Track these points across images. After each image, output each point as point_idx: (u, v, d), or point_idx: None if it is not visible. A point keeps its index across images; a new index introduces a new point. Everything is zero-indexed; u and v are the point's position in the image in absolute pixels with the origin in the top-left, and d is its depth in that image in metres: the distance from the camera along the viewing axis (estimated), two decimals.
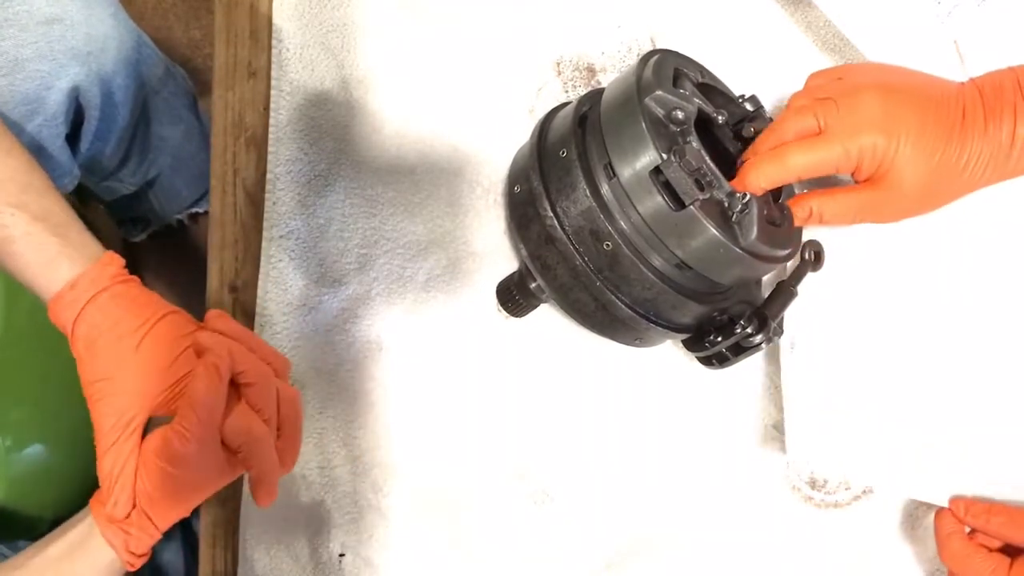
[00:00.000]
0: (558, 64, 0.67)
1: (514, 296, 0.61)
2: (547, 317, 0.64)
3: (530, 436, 0.64)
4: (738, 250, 0.51)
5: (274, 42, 0.65)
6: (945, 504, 0.61)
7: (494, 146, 0.66)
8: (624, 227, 0.53)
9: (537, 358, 0.65)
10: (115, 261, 0.53)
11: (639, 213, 0.52)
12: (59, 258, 0.52)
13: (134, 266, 1.22)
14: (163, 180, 1.04)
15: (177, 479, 0.50)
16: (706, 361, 0.60)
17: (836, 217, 0.56)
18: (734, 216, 0.51)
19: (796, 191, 0.59)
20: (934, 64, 0.57)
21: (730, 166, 0.55)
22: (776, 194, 0.57)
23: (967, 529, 0.60)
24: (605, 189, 0.53)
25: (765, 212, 0.53)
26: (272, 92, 0.64)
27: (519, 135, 0.63)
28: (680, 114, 0.52)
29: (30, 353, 0.82)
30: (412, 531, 0.63)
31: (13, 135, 0.56)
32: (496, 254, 0.65)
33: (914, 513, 0.66)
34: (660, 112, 0.52)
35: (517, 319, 0.64)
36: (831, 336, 0.63)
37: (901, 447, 0.62)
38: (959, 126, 0.52)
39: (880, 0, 0.64)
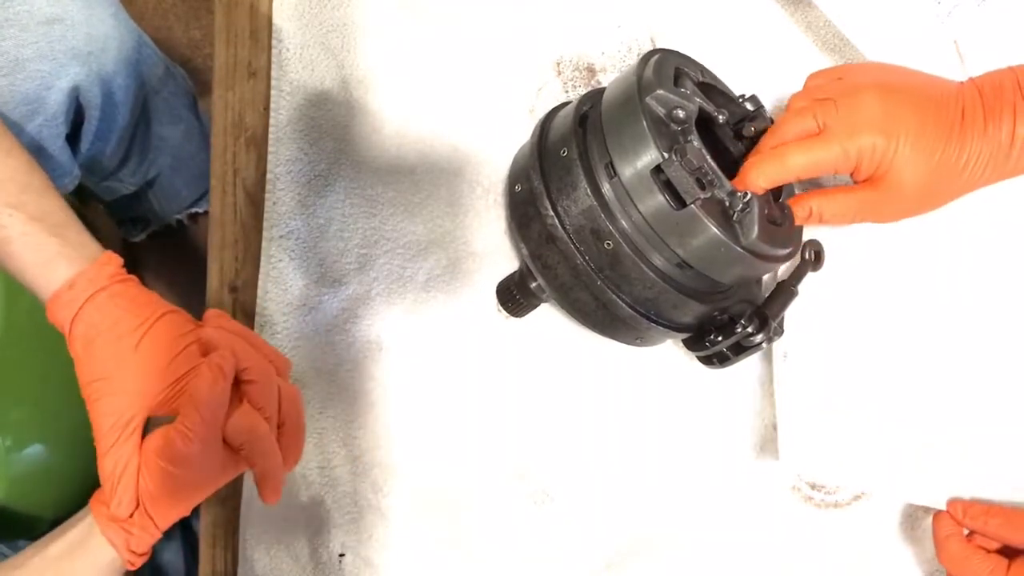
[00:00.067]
0: (558, 64, 0.67)
1: (514, 296, 0.61)
2: (547, 317, 0.64)
3: (530, 436, 0.64)
4: (739, 249, 0.51)
5: (274, 42, 0.65)
6: (942, 507, 0.61)
7: (494, 146, 0.66)
8: (625, 226, 0.53)
9: (537, 358, 0.65)
10: (113, 261, 0.53)
11: (640, 212, 0.52)
12: (57, 258, 0.52)
13: (134, 266, 1.22)
14: (163, 180, 1.04)
15: (179, 479, 0.50)
16: (707, 360, 0.60)
17: (836, 217, 0.56)
18: (735, 215, 0.51)
19: (796, 191, 0.59)
20: (934, 64, 0.57)
21: (731, 165, 0.55)
22: (776, 193, 0.57)
23: (965, 531, 0.60)
24: (606, 188, 0.53)
25: (766, 211, 0.53)
26: (272, 92, 0.64)
27: (519, 135, 0.63)
28: (681, 113, 0.52)
29: (30, 353, 0.82)
30: (412, 531, 0.63)
31: (13, 135, 0.56)
32: (496, 254, 0.65)
33: (914, 513, 0.66)
34: (661, 111, 0.52)
35: (517, 319, 0.64)
36: (826, 341, 0.63)
37: (897, 451, 0.62)
38: (958, 126, 0.52)
39: (880, 0, 0.64)
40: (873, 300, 0.63)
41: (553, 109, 0.62)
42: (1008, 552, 0.59)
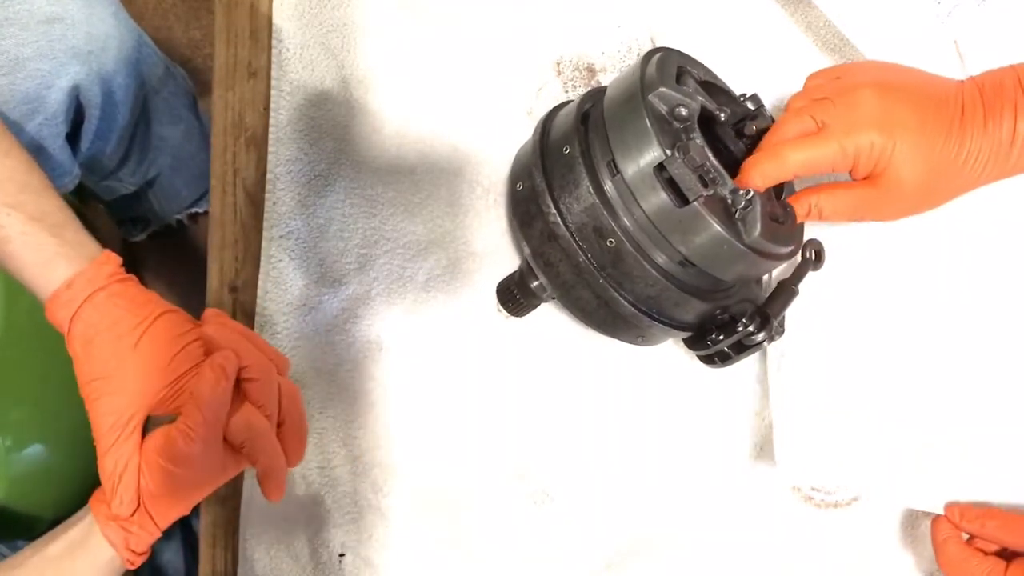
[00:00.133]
0: (558, 64, 0.67)
1: (515, 295, 0.61)
2: (547, 317, 0.64)
3: (530, 436, 0.64)
4: (742, 246, 0.51)
5: (274, 42, 0.65)
6: (940, 511, 0.61)
7: (494, 146, 0.66)
8: (627, 224, 0.53)
9: (537, 358, 0.65)
10: (112, 260, 0.53)
11: (643, 210, 0.52)
12: (56, 258, 0.52)
13: (134, 266, 1.22)
14: (163, 180, 1.04)
15: (180, 478, 0.50)
16: (708, 359, 0.60)
17: (835, 213, 0.56)
18: (737, 213, 0.51)
19: (796, 189, 0.59)
20: (934, 64, 0.57)
21: (732, 164, 0.55)
22: (778, 191, 0.57)
23: (965, 536, 0.61)
24: (608, 186, 0.53)
25: (768, 209, 0.53)
26: (272, 92, 0.64)
27: (519, 135, 0.63)
28: (684, 111, 0.52)
29: (30, 353, 0.82)
30: (412, 531, 0.63)
31: (12, 135, 0.56)
32: (496, 254, 0.65)
33: (914, 513, 0.66)
34: (663, 109, 0.52)
35: (517, 319, 0.64)
36: (822, 344, 0.63)
37: (894, 455, 0.62)
38: (958, 123, 0.52)
39: (880, 0, 0.64)
40: (870, 302, 0.63)
41: (554, 108, 0.62)
42: (1006, 555, 0.59)
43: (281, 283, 0.63)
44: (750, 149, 0.56)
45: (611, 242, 0.53)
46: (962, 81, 0.54)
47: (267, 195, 0.63)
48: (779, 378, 0.63)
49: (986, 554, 0.59)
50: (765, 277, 0.63)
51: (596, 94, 0.58)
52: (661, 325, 0.56)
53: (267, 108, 0.65)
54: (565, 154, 0.55)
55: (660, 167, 0.51)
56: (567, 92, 0.67)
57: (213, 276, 0.64)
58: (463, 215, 0.65)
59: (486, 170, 0.66)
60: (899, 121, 0.52)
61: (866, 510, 0.65)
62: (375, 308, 0.64)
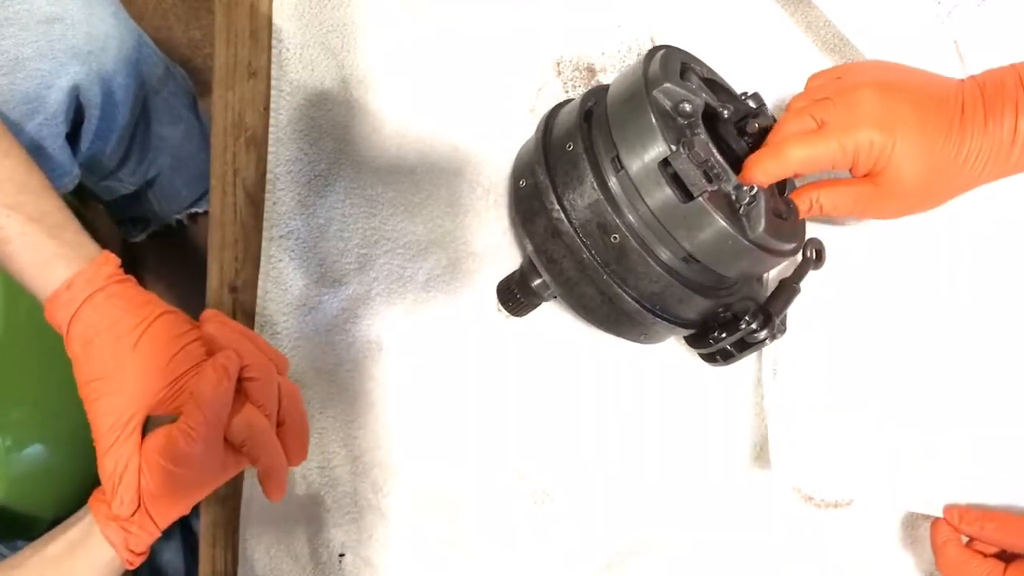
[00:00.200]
0: (558, 64, 0.67)
1: (515, 295, 0.61)
2: (547, 317, 0.64)
3: (530, 436, 0.64)
4: (746, 242, 0.51)
5: (274, 42, 0.65)
6: (938, 513, 0.61)
7: (494, 146, 0.66)
8: (631, 220, 0.53)
9: (537, 358, 0.65)
10: (111, 261, 0.53)
11: (647, 205, 0.52)
12: (55, 259, 0.52)
13: (133, 266, 1.22)
14: (163, 180, 1.04)
15: (180, 478, 0.50)
16: (710, 358, 0.59)
17: (836, 208, 0.56)
18: (741, 208, 0.51)
19: (798, 186, 0.59)
20: (934, 64, 0.57)
21: (734, 163, 0.55)
22: (781, 187, 0.57)
23: (964, 539, 0.61)
24: (612, 182, 0.53)
25: (771, 205, 0.53)
26: (272, 92, 0.64)
27: (519, 135, 0.63)
28: (688, 106, 0.52)
29: (30, 353, 0.81)
30: (412, 531, 0.63)
31: (12, 135, 0.56)
32: (496, 254, 0.65)
33: (914, 514, 0.66)
34: (668, 104, 0.52)
35: (517, 319, 0.64)
36: (818, 350, 0.63)
37: (892, 459, 0.62)
38: (958, 122, 0.52)
39: (880, 0, 0.64)
40: (868, 304, 0.63)
41: (556, 106, 0.62)
42: (1005, 556, 0.59)
43: (281, 283, 0.63)
44: (752, 147, 0.56)
45: (615, 238, 0.53)
46: (963, 80, 0.54)
47: (267, 195, 0.63)
48: (774, 385, 0.63)
49: (985, 556, 0.59)
50: (765, 276, 0.63)
51: (599, 92, 0.58)
52: (664, 322, 0.56)
53: (267, 108, 0.65)
54: (568, 151, 0.55)
55: (665, 163, 0.51)
56: (567, 92, 0.67)
57: (213, 276, 0.64)
58: (463, 215, 0.65)
59: (486, 170, 0.66)
60: (899, 120, 0.52)
61: (866, 510, 0.65)
62: (375, 308, 0.63)
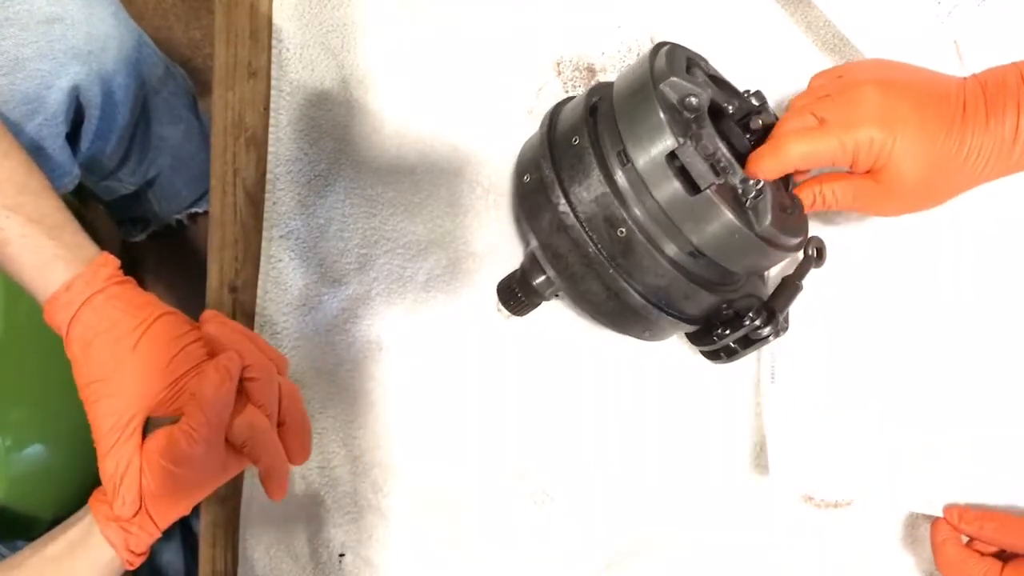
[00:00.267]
0: (558, 64, 0.67)
1: (516, 294, 0.61)
2: (547, 317, 0.64)
3: (530, 436, 0.64)
4: (753, 236, 0.51)
5: (274, 42, 0.65)
6: (938, 513, 0.61)
7: (494, 146, 0.66)
8: (638, 213, 0.53)
9: (537, 358, 0.65)
10: (110, 262, 0.53)
11: (654, 198, 0.52)
12: (54, 260, 0.52)
13: (133, 266, 1.22)
14: (163, 180, 1.04)
15: (181, 478, 0.50)
16: (713, 355, 0.59)
17: (837, 202, 0.56)
18: (748, 202, 0.51)
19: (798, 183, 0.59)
20: (934, 64, 0.57)
21: (738, 158, 0.55)
22: (786, 182, 0.57)
23: (964, 539, 0.61)
24: (619, 175, 0.53)
25: (777, 199, 0.53)
26: (272, 92, 0.64)
27: (519, 135, 0.63)
28: (694, 100, 0.52)
29: (30, 353, 0.81)
30: (412, 531, 0.63)
31: (12, 136, 0.56)
32: (496, 254, 0.65)
33: (914, 513, 0.66)
34: (674, 98, 0.52)
35: (517, 319, 0.64)
36: (818, 348, 0.63)
37: (892, 458, 0.62)
38: (959, 120, 0.52)
39: (880, 0, 0.64)
40: (866, 304, 0.64)
41: (560, 102, 0.62)
42: (1004, 556, 0.59)
43: (281, 283, 0.63)
44: (755, 144, 0.56)
45: (622, 232, 0.53)
46: (964, 78, 0.54)
47: (267, 195, 0.63)
48: (772, 389, 0.63)
49: (983, 555, 0.59)
50: (767, 275, 0.63)
51: (603, 88, 0.58)
52: (669, 318, 0.56)
53: (267, 108, 0.65)
54: (574, 145, 0.55)
55: (672, 156, 0.51)
56: (567, 92, 0.67)
57: (213, 276, 0.64)
58: (463, 215, 0.65)
59: (486, 170, 0.66)
60: (899, 117, 0.52)
61: (866, 510, 0.65)
62: (375, 308, 0.63)
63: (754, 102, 0.58)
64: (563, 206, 0.55)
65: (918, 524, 0.66)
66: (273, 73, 0.64)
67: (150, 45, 0.89)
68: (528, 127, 0.63)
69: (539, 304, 0.62)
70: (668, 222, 0.52)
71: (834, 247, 0.61)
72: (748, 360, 0.63)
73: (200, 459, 0.50)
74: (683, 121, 0.52)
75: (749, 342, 0.57)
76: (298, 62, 0.65)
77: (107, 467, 0.50)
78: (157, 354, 0.51)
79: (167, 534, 0.54)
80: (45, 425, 0.83)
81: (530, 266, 0.60)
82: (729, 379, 0.65)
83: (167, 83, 0.95)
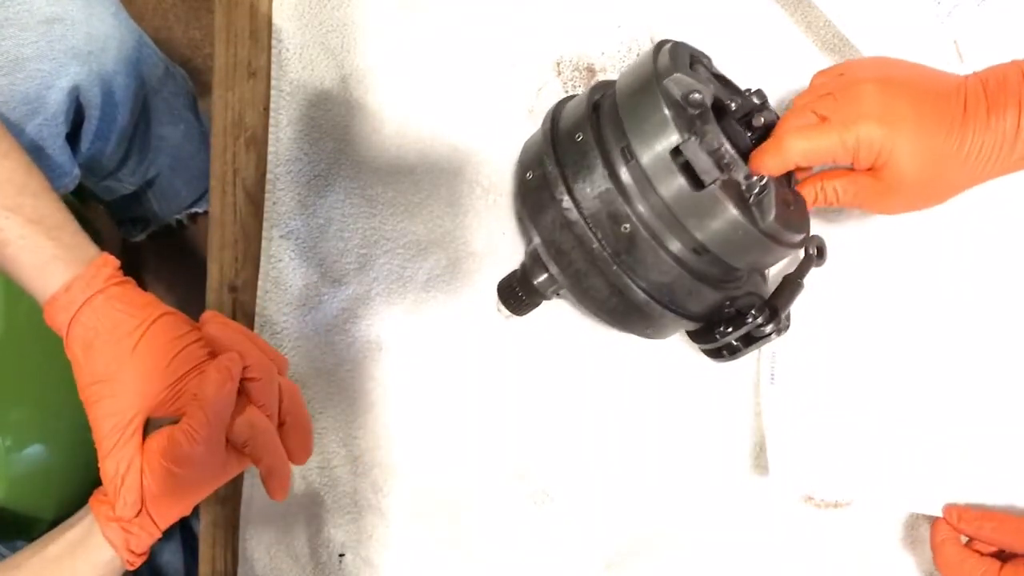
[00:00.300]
0: (558, 64, 0.67)
1: (516, 293, 0.61)
2: (547, 317, 0.64)
3: (530, 436, 0.64)
4: (757, 231, 0.51)
5: (274, 42, 0.65)
6: (938, 513, 0.61)
7: (494, 146, 0.66)
8: (642, 209, 0.53)
9: (537, 358, 0.65)
10: (110, 263, 0.53)
11: (658, 194, 0.52)
12: (53, 261, 0.52)
13: (133, 266, 1.22)
14: (162, 180, 1.04)
15: (182, 479, 0.50)
16: (715, 353, 0.59)
17: (839, 198, 0.56)
18: (752, 198, 0.51)
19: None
20: (934, 64, 0.57)
21: (741, 156, 0.55)
22: (788, 180, 0.57)
23: (964, 539, 0.61)
24: (623, 171, 0.53)
25: (780, 196, 0.53)
26: (272, 92, 0.64)
27: (519, 135, 0.63)
28: (698, 96, 0.52)
29: (30, 353, 0.82)
30: (412, 531, 0.63)
31: (12, 136, 0.55)
32: (496, 254, 0.65)
33: (914, 514, 0.66)
34: (678, 94, 0.52)
35: (517, 319, 0.64)
36: (817, 349, 0.63)
37: (892, 458, 0.62)
38: (960, 117, 0.52)
39: (880, 0, 0.64)
40: (865, 305, 0.63)
41: (562, 100, 0.61)
42: (1003, 556, 0.59)
43: (281, 283, 0.63)
44: (757, 142, 0.56)
45: (626, 227, 0.53)
46: (966, 76, 0.54)
47: (267, 195, 0.63)
48: (771, 390, 0.63)
49: (982, 555, 0.59)
50: (767, 274, 0.63)
51: (605, 85, 0.58)
52: (672, 315, 0.56)
53: (267, 108, 0.65)
54: (578, 141, 0.55)
55: (676, 151, 0.51)
56: (567, 92, 0.67)
57: (213, 276, 0.64)
58: (463, 215, 0.65)
59: (486, 170, 0.66)
60: (900, 115, 0.52)
61: (866, 510, 0.65)
62: (375, 308, 0.64)
63: (755, 100, 0.58)
64: (566, 202, 0.55)
65: (918, 524, 0.66)
66: (273, 73, 0.64)
67: (150, 45, 0.89)
68: (528, 127, 0.63)
69: (540, 303, 0.62)
70: (672, 218, 0.52)
71: (833, 247, 0.61)
72: (748, 360, 0.63)
73: (201, 459, 0.50)
74: (687, 117, 0.52)
75: (752, 340, 0.57)
76: (298, 62, 0.65)
77: (108, 468, 0.50)
78: (157, 355, 0.51)
79: (167, 534, 0.54)
80: (45, 425, 0.83)
81: (531, 264, 0.60)
82: (729, 379, 0.65)
83: (167, 83, 0.95)
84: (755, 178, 0.51)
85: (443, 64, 0.66)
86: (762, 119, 0.56)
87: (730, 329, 0.56)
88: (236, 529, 0.62)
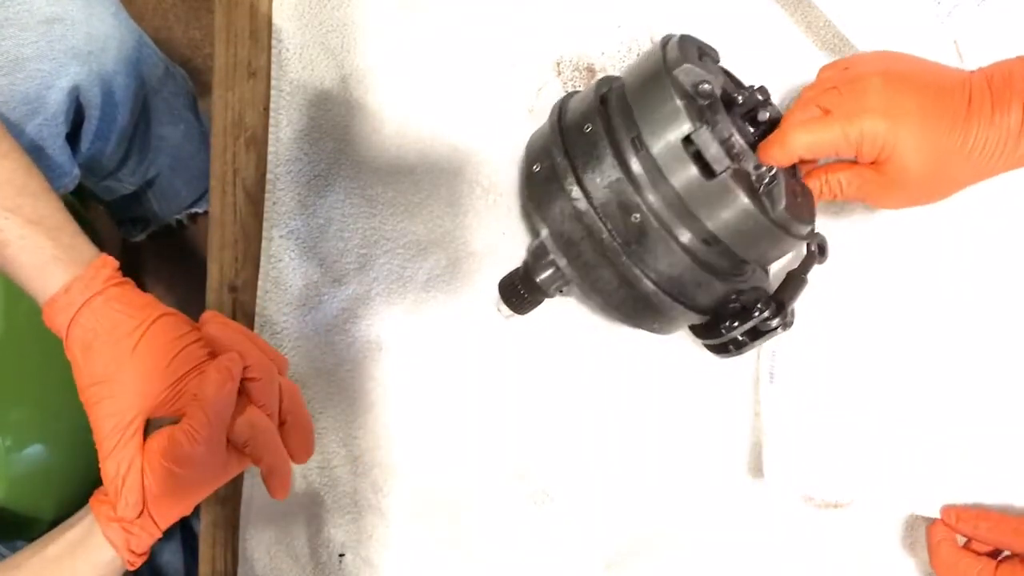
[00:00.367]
0: (558, 64, 0.67)
1: (518, 290, 0.61)
2: (548, 317, 0.64)
3: (530, 436, 0.64)
4: (767, 221, 0.51)
5: (274, 42, 0.65)
6: (936, 514, 0.61)
7: (494, 146, 0.66)
8: (652, 199, 0.53)
9: (537, 358, 0.65)
10: (109, 264, 0.53)
11: (670, 184, 0.52)
12: (53, 262, 0.52)
13: (133, 266, 1.23)
14: (162, 180, 1.04)
15: (183, 479, 0.50)
16: (720, 348, 0.59)
17: (843, 190, 0.56)
18: (762, 188, 0.51)
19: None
20: None
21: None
22: (794, 173, 0.57)
23: (961, 540, 0.61)
24: (633, 161, 0.53)
25: (789, 187, 0.53)
26: (272, 92, 0.64)
27: (519, 135, 0.63)
28: (708, 87, 0.52)
29: (30, 353, 0.81)
30: (412, 531, 0.63)
31: (11, 137, 0.55)
32: (496, 254, 0.65)
33: (914, 514, 0.66)
34: (687, 84, 0.52)
35: (517, 318, 0.64)
36: (817, 350, 0.63)
37: (890, 459, 0.62)
38: (964, 113, 0.52)
39: (880, 0, 0.64)
40: (865, 306, 0.63)
41: (567, 95, 0.61)
42: (999, 556, 0.59)
43: (281, 283, 0.63)
44: (761, 137, 0.56)
45: (636, 217, 0.53)
46: (971, 72, 0.54)
47: (267, 195, 0.63)
48: (771, 388, 0.63)
49: (978, 555, 0.59)
50: (770, 270, 0.63)
51: (611, 80, 0.58)
52: (680, 307, 0.56)
53: (267, 108, 0.65)
54: (587, 132, 0.55)
55: (687, 140, 0.51)
56: (567, 91, 0.67)
57: (213, 276, 0.64)
58: (463, 215, 0.65)
59: (486, 170, 0.66)
60: (903, 109, 0.52)
61: (866, 511, 0.65)
62: (375, 308, 0.64)
63: (759, 97, 0.58)
64: (576, 192, 0.54)
65: (918, 525, 0.66)
66: (273, 73, 0.64)
67: (150, 45, 0.89)
68: (528, 127, 0.62)
69: (541, 301, 0.62)
70: (683, 207, 0.52)
71: (834, 247, 0.61)
72: (748, 360, 0.63)
73: (202, 459, 0.50)
74: (697, 107, 0.52)
75: (758, 334, 0.57)
76: (298, 62, 0.65)
77: (109, 468, 0.50)
78: (157, 355, 0.51)
79: (167, 534, 0.54)
80: (45, 425, 0.83)
81: (535, 261, 0.60)
82: (728, 379, 0.65)
83: (167, 83, 0.95)
84: (764, 168, 0.51)
85: (443, 64, 0.66)
86: (767, 114, 0.56)
87: (736, 323, 0.56)
88: (236, 529, 0.62)
